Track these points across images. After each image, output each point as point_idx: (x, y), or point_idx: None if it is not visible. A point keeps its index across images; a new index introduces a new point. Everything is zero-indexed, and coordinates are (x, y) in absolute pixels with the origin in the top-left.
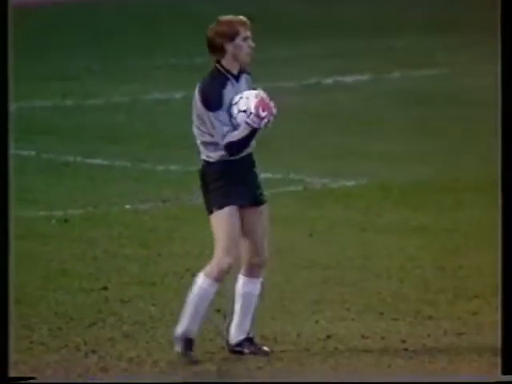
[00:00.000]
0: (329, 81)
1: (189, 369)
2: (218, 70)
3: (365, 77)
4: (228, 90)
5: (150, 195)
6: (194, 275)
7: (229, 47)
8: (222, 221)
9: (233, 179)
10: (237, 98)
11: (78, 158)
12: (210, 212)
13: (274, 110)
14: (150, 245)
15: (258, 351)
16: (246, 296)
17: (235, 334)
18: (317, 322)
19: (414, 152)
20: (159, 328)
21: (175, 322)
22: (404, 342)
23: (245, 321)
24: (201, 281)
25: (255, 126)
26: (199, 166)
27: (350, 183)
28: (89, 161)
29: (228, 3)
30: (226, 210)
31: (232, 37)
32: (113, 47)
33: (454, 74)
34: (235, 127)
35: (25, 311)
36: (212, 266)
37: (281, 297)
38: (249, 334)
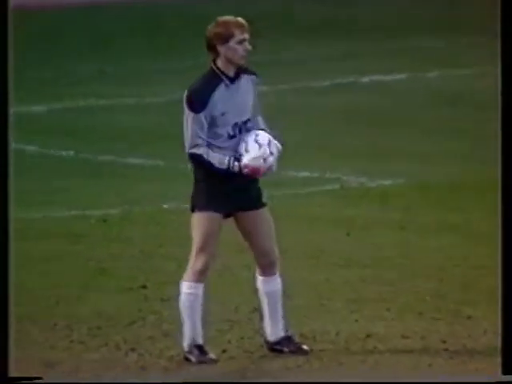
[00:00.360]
0: (365, 79)
1: (227, 367)
2: (213, 71)
3: (400, 76)
4: (220, 91)
5: (187, 195)
6: (232, 273)
7: (222, 49)
8: (200, 223)
9: (222, 182)
10: (263, 135)
11: (114, 158)
12: (192, 210)
13: (257, 175)
14: (187, 244)
15: (297, 350)
16: (269, 294)
17: (271, 332)
18: (356, 320)
19: (449, 152)
20: None
21: (214, 320)
22: (444, 342)
23: (276, 317)
24: (184, 287)
25: (230, 167)
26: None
27: (387, 182)
28: (124, 160)
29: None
30: (206, 214)
31: (226, 39)
32: (123, 50)
33: (487, 73)
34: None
35: (64, 311)
36: (189, 270)
37: (319, 295)
38: (287, 332)
